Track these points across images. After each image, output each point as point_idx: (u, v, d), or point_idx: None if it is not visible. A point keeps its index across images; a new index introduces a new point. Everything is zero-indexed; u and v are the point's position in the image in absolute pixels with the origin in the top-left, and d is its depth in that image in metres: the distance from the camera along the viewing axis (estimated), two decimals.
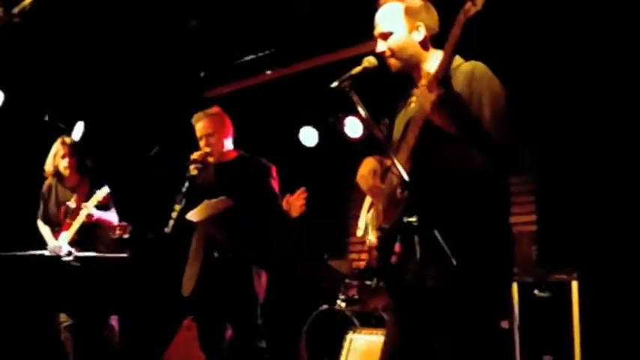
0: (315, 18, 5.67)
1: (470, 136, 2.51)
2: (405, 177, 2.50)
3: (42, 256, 4.36)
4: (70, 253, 4.27)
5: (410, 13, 2.80)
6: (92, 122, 6.36)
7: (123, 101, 6.92)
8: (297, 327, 6.04)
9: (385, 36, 2.82)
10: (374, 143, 2.76)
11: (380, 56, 2.83)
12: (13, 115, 6.08)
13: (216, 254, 4.16)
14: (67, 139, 5.37)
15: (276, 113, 7.17)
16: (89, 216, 4.98)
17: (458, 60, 2.81)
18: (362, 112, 2.66)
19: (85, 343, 4.88)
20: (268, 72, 6.77)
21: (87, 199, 5.04)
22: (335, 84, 2.71)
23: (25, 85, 6.25)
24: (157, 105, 7.11)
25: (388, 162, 2.93)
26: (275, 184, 4.29)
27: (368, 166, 2.90)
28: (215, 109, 4.45)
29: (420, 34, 2.80)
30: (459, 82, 2.66)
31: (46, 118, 6.70)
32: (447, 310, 2.59)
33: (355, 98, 2.67)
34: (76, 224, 4.99)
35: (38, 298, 4.26)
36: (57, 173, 5.31)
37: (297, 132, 7.48)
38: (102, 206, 5.14)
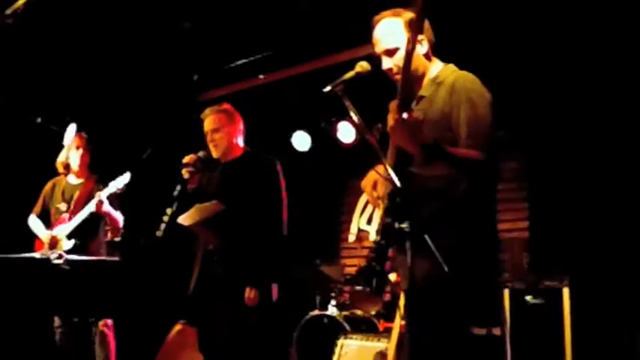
0: (309, 22, 5.67)
1: (431, 157, 2.50)
2: (397, 183, 2.50)
3: (32, 258, 4.33)
4: (60, 256, 4.24)
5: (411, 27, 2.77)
6: (85, 125, 6.34)
7: (116, 104, 6.90)
8: (287, 332, 6.03)
9: (390, 52, 2.80)
10: (367, 148, 2.76)
11: (388, 75, 2.83)
12: (5, 116, 6.05)
13: (215, 257, 4.15)
14: (84, 134, 5.39)
15: (269, 117, 7.16)
16: (99, 203, 4.94)
17: (450, 69, 2.82)
18: (354, 116, 2.65)
19: (78, 347, 4.86)
20: (261, 76, 6.76)
21: (89, 199, 5.05)
22: (327, 88, 2.69)
23: (18, 87, 6.22)
24: (150, 108, 7.10)
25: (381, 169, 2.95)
26: (281, 181, 4.25)
27: (371, 176, 2.94)
28: (224, 106, 4.40)
29: (424, 47, 2.80)
30: (442, 95, 2.68)
31: (39, 120, 6.68)
32: (430, 311, 2.64)
33: (347, 103, 2.66)
34: (84, 213, 5.00)
35: (28, 301, 4.22)
36: (67, 166, 5.34)
37: (290, 136, 7.49)
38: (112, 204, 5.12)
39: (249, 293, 3.96)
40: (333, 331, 5.65)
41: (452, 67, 2.84)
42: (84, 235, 5.07)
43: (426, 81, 2.83)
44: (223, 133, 4.29)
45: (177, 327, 5.56)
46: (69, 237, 5.02)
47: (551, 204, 5.96)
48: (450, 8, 4.51)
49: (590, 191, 5.59)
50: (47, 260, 4.15)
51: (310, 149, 7.51)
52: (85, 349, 4.89)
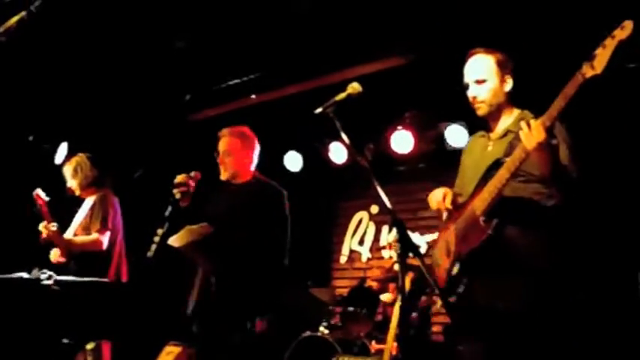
0: (301, 43, 5.68)
1: (556, 176, 2.84)
2: (389, 205, 2.57)
3: (21, 279, 4.30)
4: (50, 277, 4.20)
5: (501, 65, 3.10)
6: (76, 144, 6.34)
7: (107, 123, 6.89)
8: (279, 354, 5.98)
9: (480, 83, 3.08)
10: (359, 169, 2.78)
11: (472, 103, 3.12)
12: None
13: (213, 279, 4.13)
14: (71, 159, 5.30)
15: (261, 137, 7.16)
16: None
17: (521, 112, 3.14)
18: (344, 138, 2.67)
19: None
20: (253, 96, 6.76)
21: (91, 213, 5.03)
22: (319, 110, 2.73)
23: (10, 105, 6.21)
24: (142, 128, 7.09)
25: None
26: (287, 213, 4.24)
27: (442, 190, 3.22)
28: (242, 129, 4.42)
29: (509, 85, 3.11)
30: None
31: (30, 139, 6.67)
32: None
33: (338, 124, 2.69)
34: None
35: (16, 322, 4.18)
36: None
37: (282, 157, 7.48)
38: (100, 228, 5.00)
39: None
40: (324, 352, 5.62)
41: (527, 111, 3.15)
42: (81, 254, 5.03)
43: (510, 118, 3.15)
44: (234, 158, 4.30)
45: (168, 348, 5.53)
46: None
47: None
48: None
49: (580, 210, 5.59)
50: (37, 281, 4.12)
51: (302, 169, 7.51)
52: None
